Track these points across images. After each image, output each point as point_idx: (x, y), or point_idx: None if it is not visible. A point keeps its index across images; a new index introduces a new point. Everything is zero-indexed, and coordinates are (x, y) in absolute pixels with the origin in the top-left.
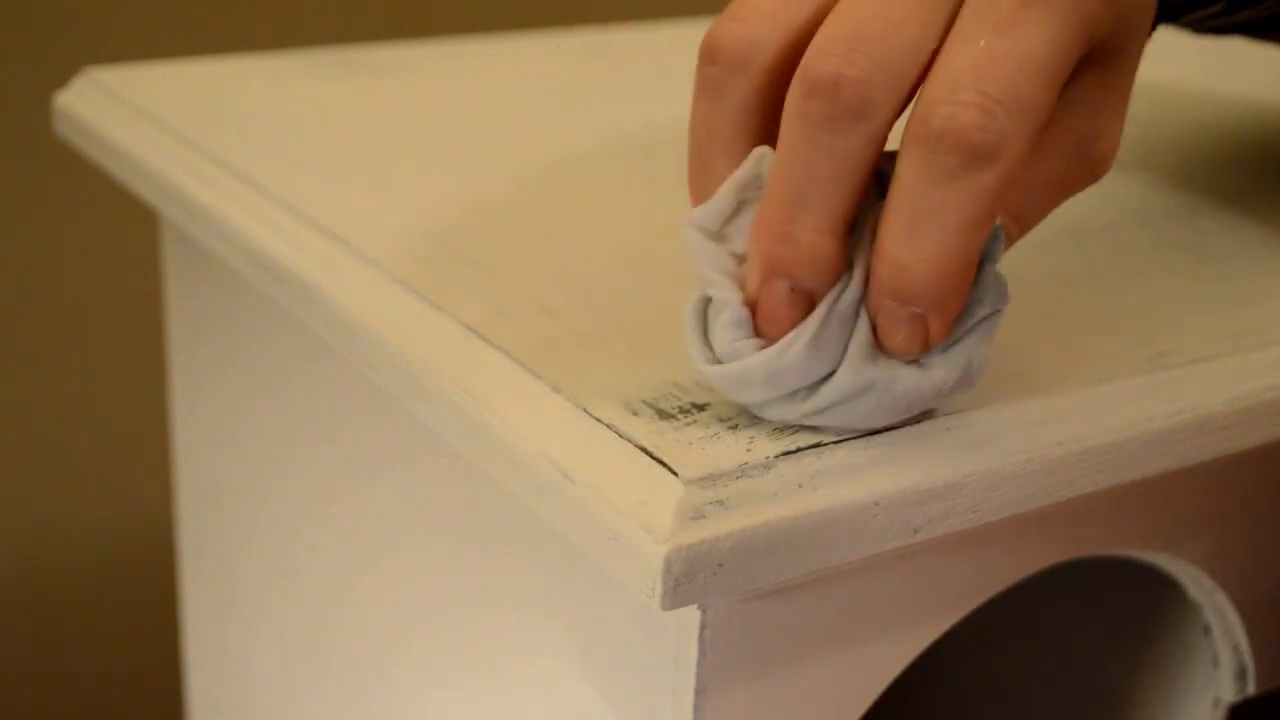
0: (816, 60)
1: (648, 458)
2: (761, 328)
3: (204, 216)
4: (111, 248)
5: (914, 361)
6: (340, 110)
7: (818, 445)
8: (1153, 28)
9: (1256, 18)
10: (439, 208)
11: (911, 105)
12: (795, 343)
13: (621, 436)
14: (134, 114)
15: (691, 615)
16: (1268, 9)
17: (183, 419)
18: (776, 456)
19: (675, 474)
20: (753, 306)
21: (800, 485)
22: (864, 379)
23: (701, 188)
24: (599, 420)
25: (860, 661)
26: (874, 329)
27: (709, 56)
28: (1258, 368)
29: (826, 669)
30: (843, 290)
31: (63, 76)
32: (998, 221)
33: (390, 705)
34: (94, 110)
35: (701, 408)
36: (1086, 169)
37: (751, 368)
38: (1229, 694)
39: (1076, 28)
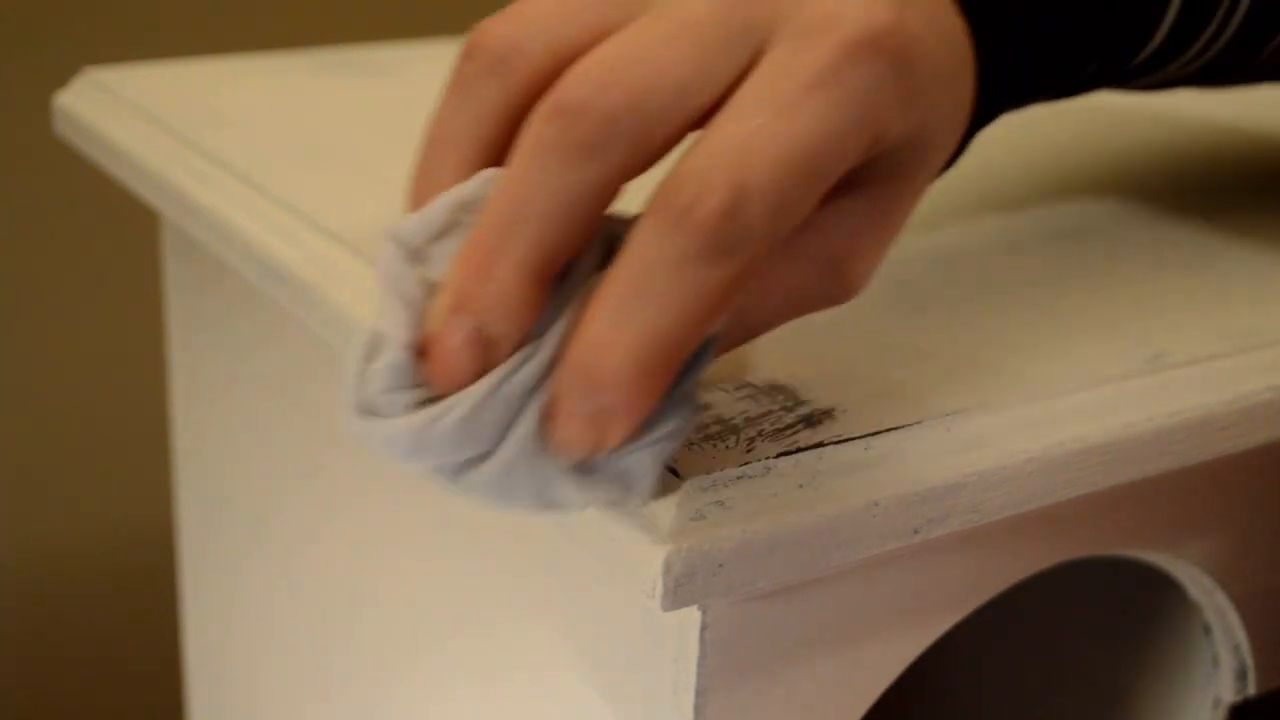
0: (568, 83)
1: None
2: (429, 369)
3: (204, 216)
4: (111, 248)
5: (577, 467)
6: (340, 110)
7: (818, 445)
8: (974, 129)
9: (1175, 77)
10: None
11: (663, 168)
12: (447, 415)
13: None
14: (134, 114)
15: (692, 615)
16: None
17: (183, 421)
18: (776, 457)
19: (675, 474)
20: (427, 346)
21: (800, 485)
22: (515, 479)
23: (420, 193)
24: None
25: (860, 661)
26: (547, 416)
27: (468, 52)
28: (1258, 368)
29: (827, 669)
30: (522, 363)
31: (63, 76)
32: (713, 333)
33: (391, 707)
34: (94, 110)
35: (701, 408)
36: (834, 289)
37: (396, 433)
38: (1229, 694)
39: (862, 127)
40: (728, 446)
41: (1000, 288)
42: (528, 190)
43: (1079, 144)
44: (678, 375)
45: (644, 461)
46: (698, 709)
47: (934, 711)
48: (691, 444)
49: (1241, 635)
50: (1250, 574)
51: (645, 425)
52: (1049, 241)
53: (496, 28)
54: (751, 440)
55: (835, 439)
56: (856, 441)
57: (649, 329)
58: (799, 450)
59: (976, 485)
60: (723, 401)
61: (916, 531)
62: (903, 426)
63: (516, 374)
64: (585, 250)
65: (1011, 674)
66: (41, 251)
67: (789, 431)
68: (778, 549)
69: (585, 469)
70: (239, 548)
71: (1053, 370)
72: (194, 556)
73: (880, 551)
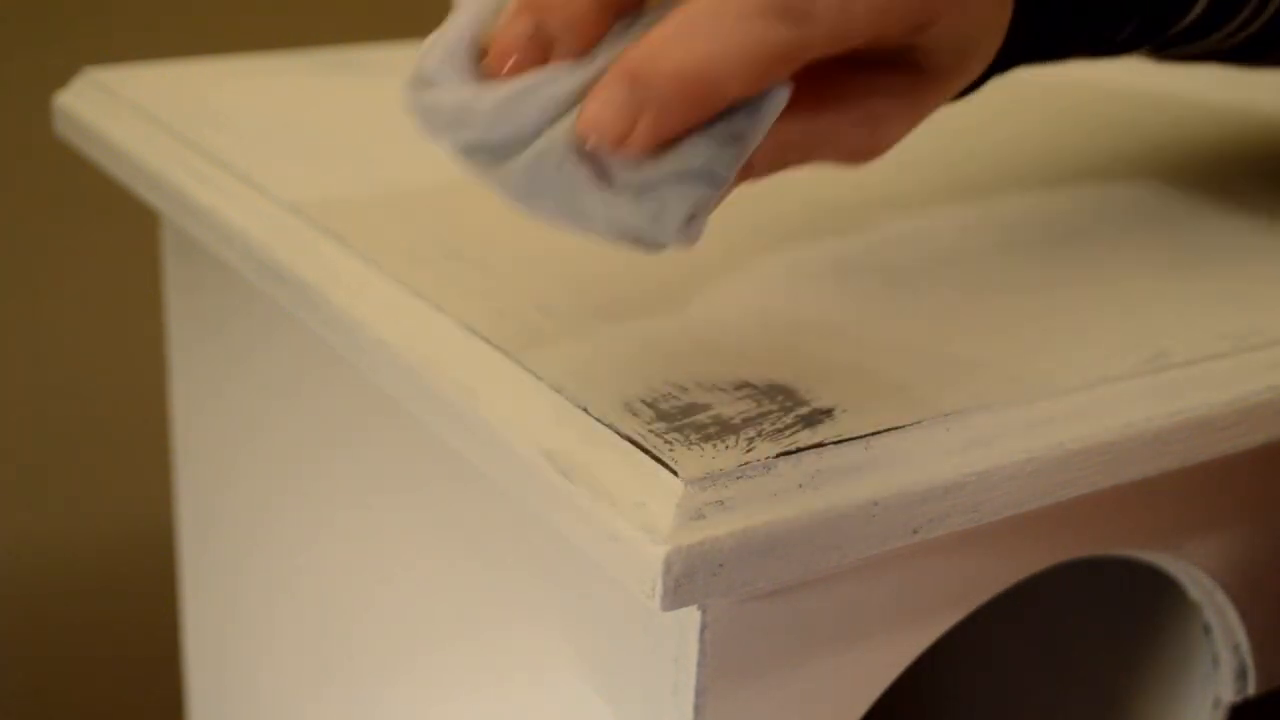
0: None
1: (648, 458)
2: (488, 58)
3: (204, 216)
4: (111, 248)
5: (605, 177)
6: (340, 110)
7: (818, 445)
8: (1002, 64)
9: (1220, 48)
10: (439, 208)
11: None
12: (490, 94)
13: (621, 436)
14: (134, 114)
15: (692, 616)
16: (1231, 40)
17: (183, 421)
18: (776, 456)
19: (675, 474)
20: (491, 42)
21: (800, 485)
22: (545, 176)
23: None
24: (599, 420)
25: (860, 661)
26: (581, 109)
27: None
28: (1258, 368)
29: (826, 669)
30: (571, 70)
31: (63, 76)
32: (771, 98)
33: (391, 706)
34: (94, 110)
35: (702, 408)
36: (864, 146)
37: (440, 102)
38: (1229, 694)
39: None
40: (728, 446)
41: (1000, 288)
42: None
43: (1078, 144)
44: (724, 116)
45: (671, 194)
46: (698, 709)
47: (934, 711)
48: (691, 444)
49: (1241, 635)
50: (1250, 574)
51: (679, 151)
52: (1048, 242)
53: None
54: (751, 440)
55: (835, 439)
56: (856, 441)
57: (703, 51)
58: (799, 450)
59: (976, 485)
60: (723, 401)
61: (916, 531)
62: (903, 426)
63: (564, 77)
64: (654, 7)
65: (1011, 674)
66: (41, 251)
67: (789, 431)
68: (778, 549)
69: (613, 182)
70: (239, 548)
71: (1053, 370)
72: (194, 556)
73: (880, 551)
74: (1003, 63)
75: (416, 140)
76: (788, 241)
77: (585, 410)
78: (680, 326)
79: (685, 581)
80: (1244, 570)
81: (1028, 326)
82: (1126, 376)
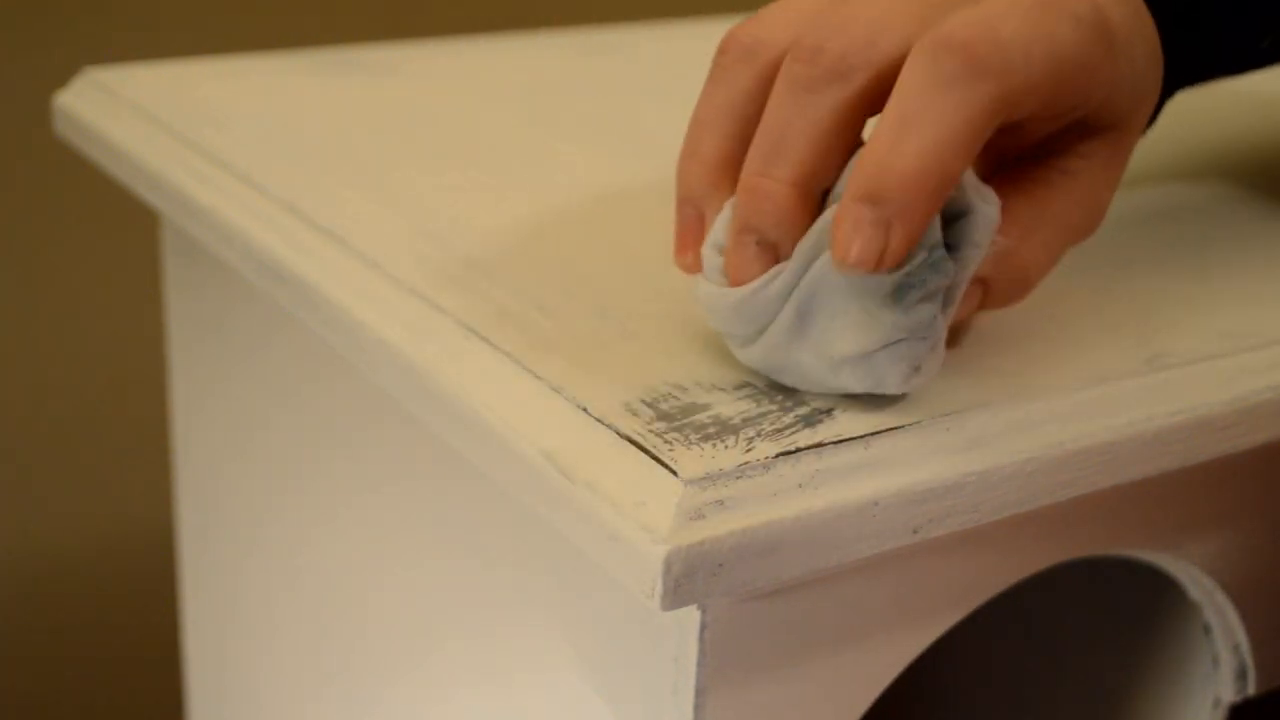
0: (807, 33)
1: (647, 458)
2: (731, 278)
3: (204, 216)
4: (111, 248)
5: (825, 357)
6: (340, 110)
7: (818, 445)
8: (1169, 93)
9: None
10: (439, 208)
11: None
12: (729, 298)
13: (621, 436)
14: (134, 114)
15: (691, 615)
16: None
17: (183, 422)
18: (776, 457)
19: (675, 474)
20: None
21: (800, 485)
22: (777, 357)
23: (685, 163)
24: (599, 420)
25: (860, 661)
26: (834, 238)
27: (722, 49)
28: (1258, 368)
29: (826, 669)
30: (778, 273)
31: (63, 76)
32: (972, 181)
33: (391, 706)
34: (94, 110)
35: (701, 408)
36: (1097, 219)
37: (702, 296)
38: (1229, 694)
39: (1094, 31)
40: (727, 446)
41: None
42: (784, 117)
43: None
44: (937, 255)
45: (884, 363)
46: (698, 709)
47: (934, 711)
48: (691, 444)
49: (1241, 635)
50: (1250, 574)
51: (895, 313)
52: None
53: (744, 28)
54: (751, 440)
55: (835, 439)
56: (856, 441)
57: (925, 141)
58: (799, 450)
59: (976, 485)
60: (723, 401)
61: (916, 531)
62: (903, 426)
63: (777, 279)
64: (840, 180)
65: (1012, 674)
66: (41, 251)
67: (789, 431)
68: (778, 549)
69: (832, 361)
70: (239, 548)
71: (1053, 370)
72: (194, 556)
73: (880, 551)
74: (1165, 94)
75: (416, 140)
76: None
77: (585, 410)
78: (680, 326)
79: (685, 581)
80: (1244, 570)
81: (1028, 326)
82: (1126, 376)
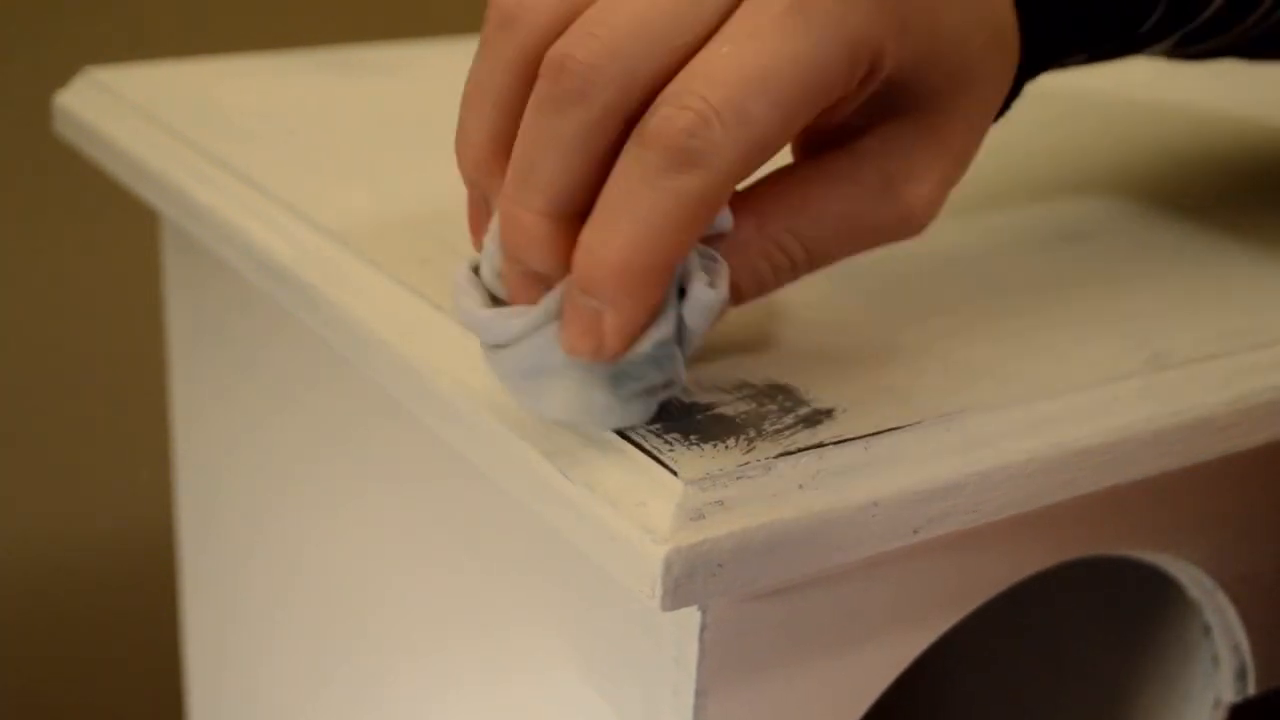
0: (558, 41)
1: (648, 458)
2: (509, 301)
3: (204, 216)
4: (111, 248)
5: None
6: (340, 110)
7: (818, 446)
8: (1028, 75)
9: (1233, 43)
10: (439, 207)
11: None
12: (506, 322)
13: (621, 436)
14: (134, 114)
15: (692, 616)
16: (1240, 33)
17: (183, 422)
18: (776, 457)
19: (675, 474)
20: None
21: (800, 485)
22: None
23: (460, 143)
24: None
25: (860, 661)
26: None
27: (488, 15)
28: (1258, 368)
29: (827, 669)
30: (537, 322)
31: (63, 76)
32: (701, 260)
33: (391, 707)
34: (94, 110)
35: (702, 408)
36: (895, 214)
37: (466, 317)
38: (1229, 694)
39: (838, 47)
40: (727, 446)
41: (1000, 288)
42: (532, 139)
43: (1077, 143)
44: (670, 309)
45: (635, 408)
46: (697, 709)
47: (934, 711)
48: (691, 444)
49: (1241, 635)
50: (1250, 574)
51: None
52: (1048, 242)
53: None
54: (751, 440)
55: (835, 439)
56: (856, 441)
57: (627, 235)
58: (799, 450)
59: (976, 485)
60: (723, 401)
61: (916, 531)
62: (903, 426)
63: (519, 319)
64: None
65: (1012, 674)
66: (41, 251)
67: (789, 431)
68: (778, 549)
69: (540, 414)
70: (239, 548)
71: (1053, 370)
72: (194, 556)
73: (880, 551)
74: (1027, 68)
75: (416, 140)
76: None
77: None
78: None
79: (685, 582)
80: (1244, 570)
81: (1028, 327)
82: (1126, 376)
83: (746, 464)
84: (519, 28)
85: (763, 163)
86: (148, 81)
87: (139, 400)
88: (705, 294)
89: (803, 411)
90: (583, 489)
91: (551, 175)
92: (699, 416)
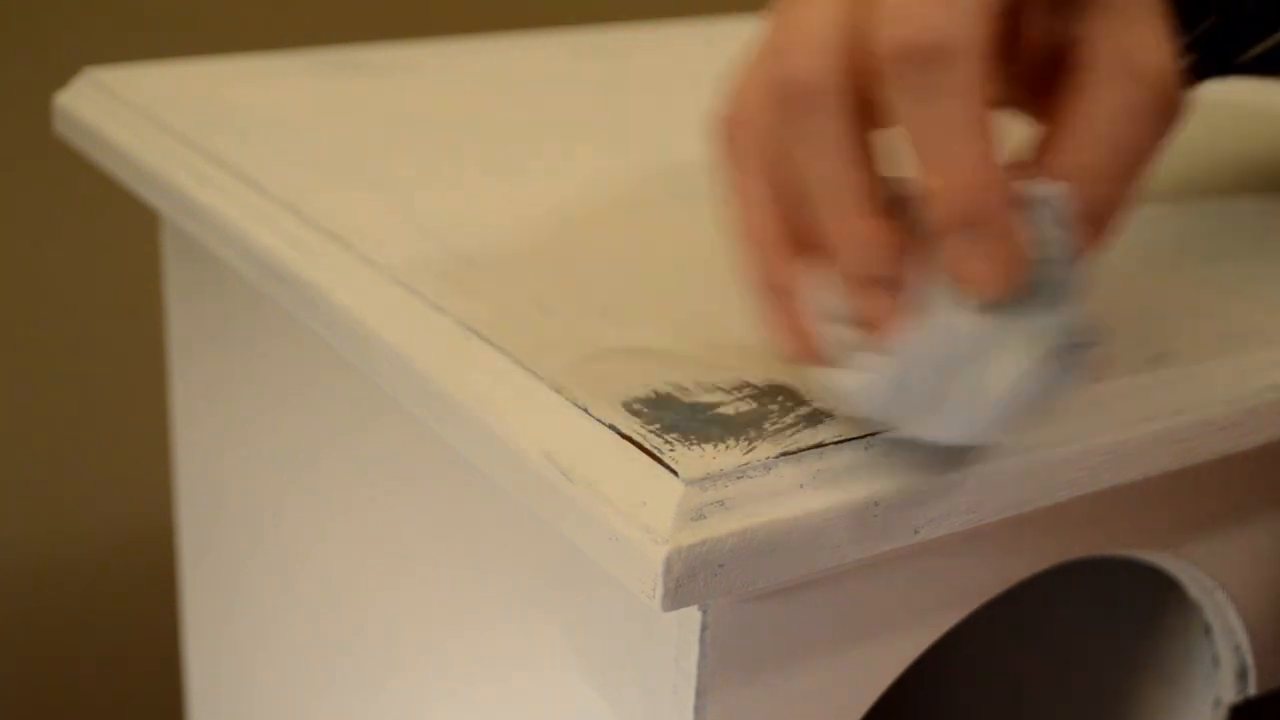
0: (767, 78)
1: (648, 458)
2: (877, 329)
3: (204, 216)
4: (111, 248)
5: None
6: (340, 110)
7: (819, 446)
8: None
9: None
10: (439, 208)
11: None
12: (888, 370)
13: (621, 436)
14: (134, 114)
15: (692, 616)
16: None
17: (183, 422)
18: (777, 457)
19: (676, 474)
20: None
21: (801, 485)
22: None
23: (750, 259)
24: (599, 420)
25: (860, 661)
26: (962, 284)
27: (713, 137)
28: (1258, 368)
29: (827, 669)
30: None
31: (63, 76)
32: (1037, 194)
33: (391, 706)
34: (94, 110)
35: (702, 408)
36: (1148, 93)
37: (863, 382)
38: (1229, 694)
39: None
40: (728, 446)
41: None
42: (807, 169)
43: None
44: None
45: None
46: (697, 709)
47: (935, 711)
48: (691, 444)
49: (1241, 635)
50: (1250, 574)
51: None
52: None
53: (723, 109)
54: (752, 440)
55: (835, 439)
56: (856, 441)
57: (948, 154)
58: (799, 450)
59: (976, 485)
60: (723, 401)
61: (916, 531)
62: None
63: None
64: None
65: (1013, 673)
66: (41, 251)
67: (789, 431)
68: (778, 549)
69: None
70: (239, 548)
71: None
72: (194, 556)
73: (880, 551)
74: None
75: (416, 140)
76: None
77: (585, 410)
78: (680, 326)
79: (686, 581)
80: (1244, 570)
81: None
82: (1126, 376)
83: (747, 464)
84: (743, 132)
85: (997, 35)
86: (148, 81)
87: (139, 400)
88: (1057, 198)
89: (803, 411)
90: (583, 489)
91: (844, 180)
92: (700, 416)
